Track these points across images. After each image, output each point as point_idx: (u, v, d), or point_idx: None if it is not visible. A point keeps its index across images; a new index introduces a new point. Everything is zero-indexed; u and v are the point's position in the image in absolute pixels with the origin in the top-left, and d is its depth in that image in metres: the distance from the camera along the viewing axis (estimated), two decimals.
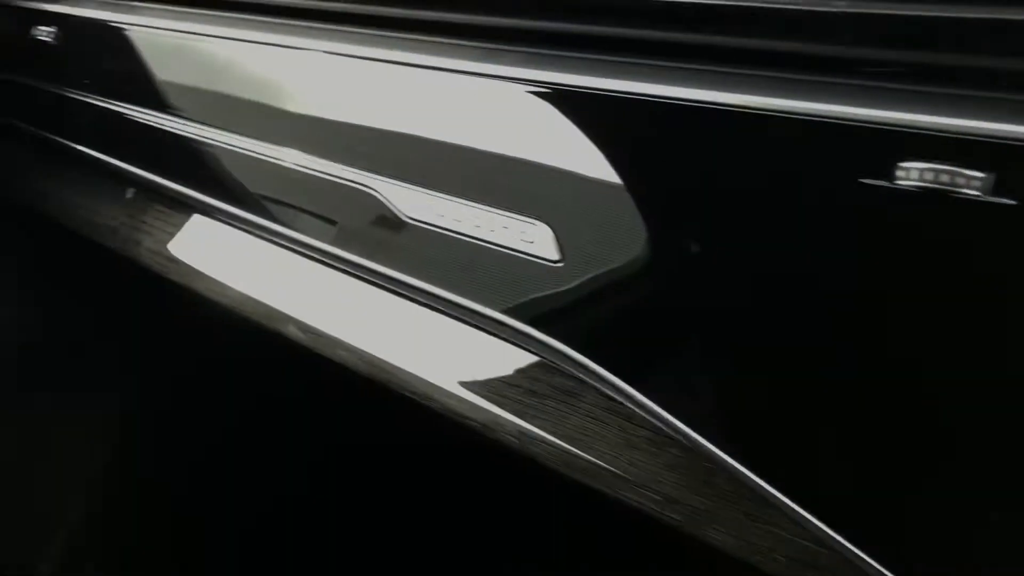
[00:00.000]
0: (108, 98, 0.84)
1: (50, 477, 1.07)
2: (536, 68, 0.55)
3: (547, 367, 0.59)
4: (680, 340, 0.52)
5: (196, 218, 0.80)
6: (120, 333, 1.13)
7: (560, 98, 0.54)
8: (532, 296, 0.56)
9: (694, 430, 0.51)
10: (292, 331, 0.71)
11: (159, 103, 0.80)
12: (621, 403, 0.55)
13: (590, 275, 0.53)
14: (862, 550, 0.46)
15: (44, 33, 0.95)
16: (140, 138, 0.82)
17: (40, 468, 1.08)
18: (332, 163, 0.65)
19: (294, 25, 0.70)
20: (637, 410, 0.54)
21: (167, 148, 0.79)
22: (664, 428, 0.53)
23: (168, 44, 0.80)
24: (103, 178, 0.89)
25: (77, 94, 0.92)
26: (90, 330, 1.12)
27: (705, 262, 0.49)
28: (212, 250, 0.79)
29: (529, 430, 0.58)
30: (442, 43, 0.62)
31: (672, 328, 0.52)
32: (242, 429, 1.19)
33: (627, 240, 0.51)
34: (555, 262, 0.54)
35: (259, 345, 0.78)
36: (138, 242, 0.84)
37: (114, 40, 0.86)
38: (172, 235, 0.83)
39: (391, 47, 0.64)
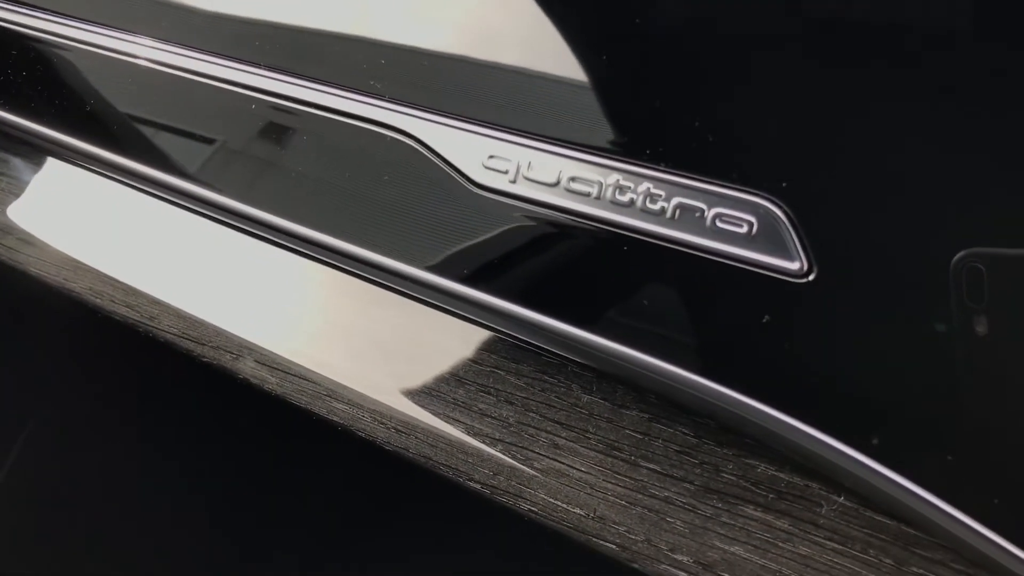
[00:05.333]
0: None
1: None
2: None
3: (740, 457, 0.34)
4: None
5: (88, 178, 0.50)
6: None
7: None
8: (739, 338, 0.30)
9: None
10: (249, 367, 0.43)
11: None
12: (906, 523, 0.31)
13: (858, 298, 0.29)
14: None
15: None
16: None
17: None
18: (335, 91, 0.37)
19: None
20: (939, 536, 0.30)
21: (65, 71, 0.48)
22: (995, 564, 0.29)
23: None
24: None
25: None
26: None
27: None
28: (127, 233, 0.49)
29: (714, 561, 0.33)
30: None
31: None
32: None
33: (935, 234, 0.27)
34: (796, 276, 0.29)
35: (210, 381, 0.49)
36: None
37: None
38: (55, 204, 0.52)
39: None
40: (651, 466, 0.35)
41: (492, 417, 0.38)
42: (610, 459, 0.35)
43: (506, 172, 0.34)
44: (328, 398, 0.41)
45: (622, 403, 0.36)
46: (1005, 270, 0.26)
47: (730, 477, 0.34)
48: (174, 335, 0.46)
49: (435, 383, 0.39)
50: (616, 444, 0.35)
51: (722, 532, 0.33)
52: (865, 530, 0.32)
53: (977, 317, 0.27)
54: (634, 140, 0.31)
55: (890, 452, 0.29)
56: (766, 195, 0.29)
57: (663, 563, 0.34)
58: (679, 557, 0.34)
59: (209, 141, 0.42)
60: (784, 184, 0.29)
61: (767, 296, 0.30)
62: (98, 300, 0.49)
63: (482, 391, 0.38)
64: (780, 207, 0.29)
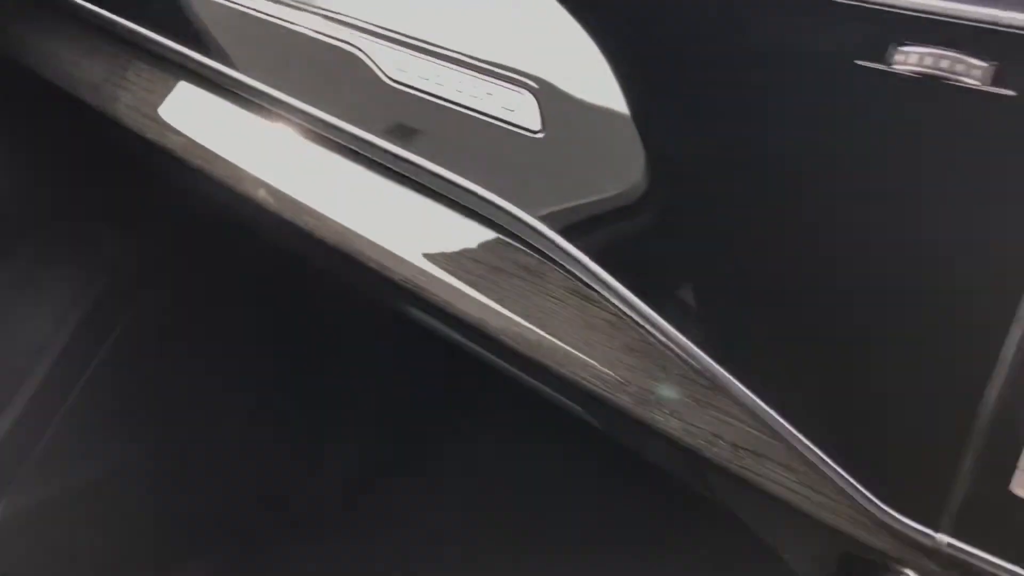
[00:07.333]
0: None
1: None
2: None
3: (512, 246, 0.57)
4: (654, 223, 0.51)
5: (177, 77, 0.78)
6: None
7: None
8: (506, 167, 0.54)
9: (658, 313, 0.49)
10: (262, 195, 0.69)
11: None
12: (585, 285, 0.54)
13: (569, 149, 0.52)
14: (814, 442, 0.45)
15: None
16: None
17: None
18: (319, 19, 0.63)
19: None
20: (601, 292, 0.53)
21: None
22: (625, 311, 0.52)
23: None
24: (87, 31, 0.86)
25: None
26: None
27: (691, 143, 0.48)
28: (190, 110, 0.77)
29: (488, 305, 0.56)
30: None
31: (647, 210, 0.50)
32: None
33: (614, 114, 0.50)
34: (535, 132, 0.53)
35: (232, 211, 0.76)
36: (116, 98, 0.82)
37: None
38: (153, 94, 0.80)
39: None
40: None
41: (461, 269, 0.62)
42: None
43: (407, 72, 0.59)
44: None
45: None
46: None
47: (549, 285, 0.56)
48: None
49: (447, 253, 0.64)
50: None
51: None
52: (573, 293, 0.55)
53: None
54: (472, 62, 0.56)
55: (590, 244, 0.52)
56: (526, 89, 0.53)
57: None
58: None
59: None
60: (535, 83, 0.53)
61: (519, 143, 0.53)
62: (200, 162, 0.75)
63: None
64: (531, 95, 0.53)
